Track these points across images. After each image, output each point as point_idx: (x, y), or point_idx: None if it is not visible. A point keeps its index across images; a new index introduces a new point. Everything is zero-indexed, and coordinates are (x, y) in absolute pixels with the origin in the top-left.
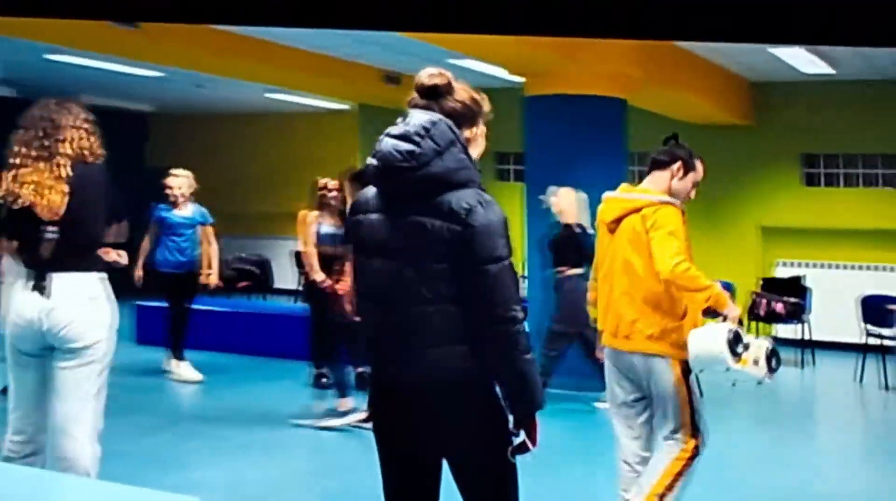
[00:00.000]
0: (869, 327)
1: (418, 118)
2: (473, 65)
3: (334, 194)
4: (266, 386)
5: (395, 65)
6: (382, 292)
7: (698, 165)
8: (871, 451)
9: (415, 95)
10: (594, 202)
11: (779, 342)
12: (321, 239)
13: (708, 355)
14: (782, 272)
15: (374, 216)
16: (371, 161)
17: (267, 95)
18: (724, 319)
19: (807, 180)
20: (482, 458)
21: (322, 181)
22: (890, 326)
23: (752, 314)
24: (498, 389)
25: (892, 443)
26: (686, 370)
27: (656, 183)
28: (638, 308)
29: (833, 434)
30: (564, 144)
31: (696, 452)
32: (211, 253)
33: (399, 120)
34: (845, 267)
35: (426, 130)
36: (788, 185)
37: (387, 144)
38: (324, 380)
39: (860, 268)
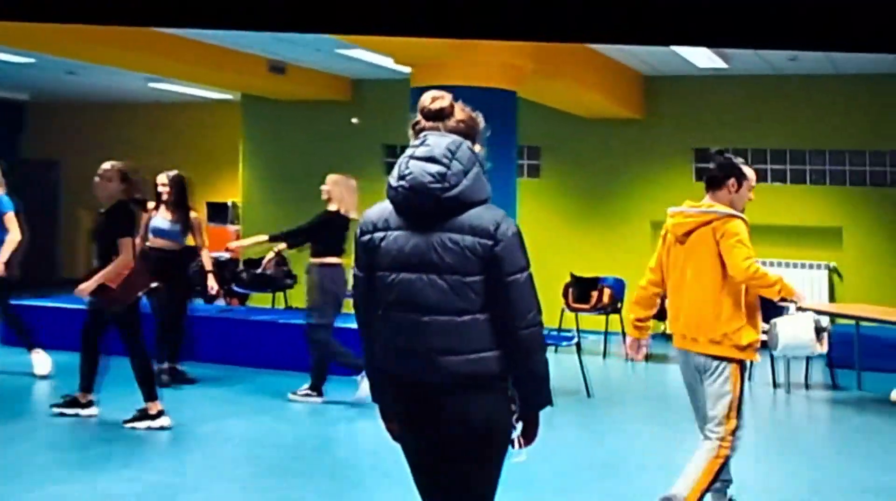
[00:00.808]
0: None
1: (439, 141)
2: (361, 54)
3: (167, 189)
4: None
5: (281, 54)
6: (416, 304)
7: (748, 172)
8: (765, 453)
9: (420, 118)
10: None
11: (668, 337)
12: (153, 232)
13: (798, 343)
14: None
15: (397, 233)
16: (399, 182)
17: (151, 84)
18: (798, 307)
19: (698, 175)
20: (489, 453)
21: (159, 178)
22: None
23: None
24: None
25: (784, 444)
26: (741, 371)
27: (719, 199)
28: (704, 315)
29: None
30: None
31: (730, 450)
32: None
33: (416, 142)
34: None
35: (451, 152)
36: (680, 180)
37: (415, 166)
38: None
39: None
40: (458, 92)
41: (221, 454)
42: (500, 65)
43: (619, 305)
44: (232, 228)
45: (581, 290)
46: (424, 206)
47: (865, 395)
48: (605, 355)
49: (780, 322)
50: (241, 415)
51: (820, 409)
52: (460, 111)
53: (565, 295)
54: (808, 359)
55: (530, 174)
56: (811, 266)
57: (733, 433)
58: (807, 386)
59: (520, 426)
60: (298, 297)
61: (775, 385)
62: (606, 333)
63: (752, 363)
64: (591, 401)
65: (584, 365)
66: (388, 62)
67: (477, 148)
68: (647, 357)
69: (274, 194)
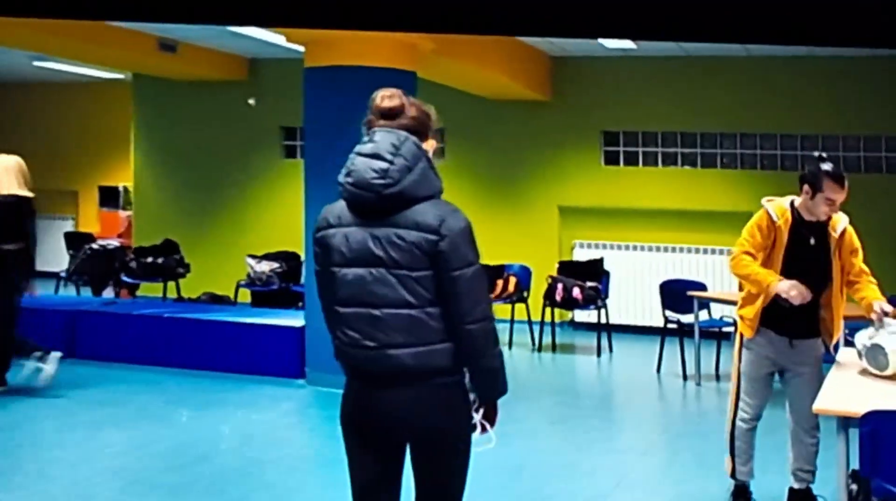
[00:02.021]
0: (668, 313)
1: (386, 137)
2: (254, 32)
3: None
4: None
5: (171, 31)
6: (366, 298)
7: (830, 188)
8: (674, 453)
9: (372, 116)
10: None
11: (576, 326)
12: None
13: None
14: (580, 254)
15: (348, 229)
16: (345, 179)
17: (36, 63)
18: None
19: (606, 159)
20: (451, 444)
21: None
22: (689, 312)
23: (549, 299)
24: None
25: (693, 441)
26: (741, 344)
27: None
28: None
29: (634, 433)
30: (346, 119)
31: (734, 420)
32: None
33: (365, 139)
34: (645, 249)
35: (395, 147)
36: (588, 163)
37: (360, 163)
38: None
39: (660, 250)
40: (354, 72)
41: (89, 467)
42: (395, 44)
43: (525, 293)
44: (123, 213)
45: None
46: (368, 201)
47: (776, 386)
48: (510, 345)
49: (883, 340)
50: (119, 421)
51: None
52: (412, 108)
53: None
54: (719, 343)
55: (435, 157)
56: (721, 252)
57: (736, 402)
58: (717, 377)
59: (481, 411)
60: (191, 286)
61: (685, 377)
62: (513, 322)
63: (742, 339)
64: None
65: None
66: (281, 40)
67: (430, 143)
68: (555, 347)
69: (167, 179)
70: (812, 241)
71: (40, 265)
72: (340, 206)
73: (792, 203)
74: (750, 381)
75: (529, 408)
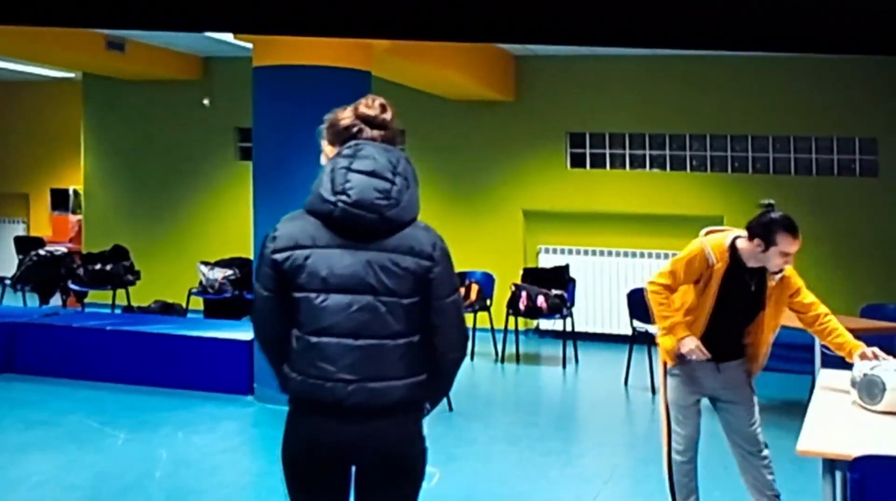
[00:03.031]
0: (636, 323)
1: (380, 154)
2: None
3: None
4: None
5: (119, 30)
6: (348, 328)
7: (783, 237)
8: (638, 481)
9: (359, 123)
10: None
11: (541, 335)
12: None
13: None
14: (545, 259)
15: (330, 251)
16: (338, 197)
17: None
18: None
19: (572, 161)
20: (417, 476)
21: None
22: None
23: (513, 307)
24: None
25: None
26: (665, 372)
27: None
28: None
29: (596, 456)
30: (296, 121)
31: (670, 454)
32: None
33: (347, 150)
34: (612, 254)
35: (393, 166)
36: (554, 166)
37: (358, 180)
38: None
39: (628, 255)
40: (305, 72)
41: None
42: (348, 42)
43: (488, 301)
44: (74, 217)
45: None
46: (367, 223)
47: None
48: (472, 356)
49: (885, 374)
50: (48, 444)
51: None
52: (393, 121)
53: None
54: None
55: None
56: None
57: (669, 434)
58: None
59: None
60: (142, 294)
61: (653, 390)
62: (475, 331)
63: (665, 367)
64: (453, 417)
65: None
66: (230, 37)
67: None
68: (518, 358)
69: (118, 182)
70: (752, 288)
71: None
72: (312, 224)
73: (734, 243)
74: (679, 409)
75: (485, 427)
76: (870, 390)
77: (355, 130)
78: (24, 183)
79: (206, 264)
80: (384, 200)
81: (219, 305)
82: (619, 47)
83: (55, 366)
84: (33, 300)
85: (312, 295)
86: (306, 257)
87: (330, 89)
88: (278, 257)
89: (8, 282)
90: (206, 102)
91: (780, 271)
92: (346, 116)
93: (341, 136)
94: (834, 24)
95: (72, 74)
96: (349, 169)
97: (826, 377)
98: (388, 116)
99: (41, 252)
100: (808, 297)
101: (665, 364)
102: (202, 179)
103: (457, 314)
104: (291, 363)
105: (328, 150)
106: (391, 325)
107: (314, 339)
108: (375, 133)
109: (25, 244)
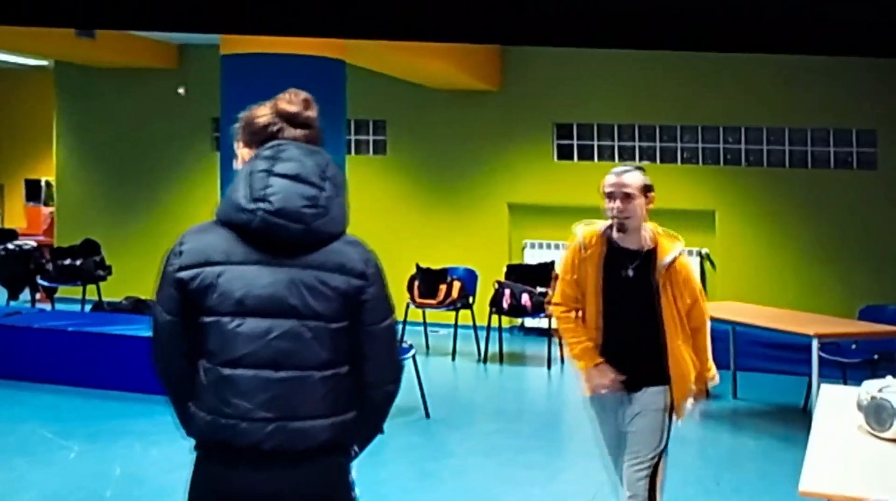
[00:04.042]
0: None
1: (305, 156)
2: None
3: None
4: None
5: None
6: (268, 357)
7: (605, 180)
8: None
9: (281, 122)
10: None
11: (526, 332)
12: None
13: None
14: (531, 254)
15: (246, 268)
16: (257, 205)
17: None
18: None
19: (559, 153)
20: None
21: None
22: None
23: (496, 306)
24: None
25: None
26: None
27: None
28: None
29: (581, 470)
30: None
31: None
32: None
33: (268, 152)
34: None
35: (322, 170)
36: (540, 158)
37: (281, 185)
38: None
39: None
40: (275, 60)
41: None
42: None
43: (470, 299)
44: (46, 209)
45: (428, 283)
46: (292, 235)
47: (740, 406)
48: (454, 356)
49: (893, 398)
50: None
51: (689, 428)
52: (317, 119)
53: (410, 289)
54: None
55: (376, 151)
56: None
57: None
58: None
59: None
60: (114, 289)
61: None
62: (456, 329)
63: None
64: (430, 425)
65: (428, 374)
66: None
67: None
68: (502, 358)
69: (90, 173)
70: (630, 273)
71: None
72: (223, 237)
73: (608, 228)
74: (606, 438)
75: (463, 437)
76: (878, 415)
77: (275, 129)
78: None
79: None
80: (311, 208)
81: None
82: (611, 48)
83: (15, 369)
84: (1, 297)
85: (225, 319)
86: (218, 275)
87: (302, 79)
88: (184, 275)
89: None
90: (181, 90)
91: (658, 249)
92: (264, 113)
93: (258, 136)
94: (831, 25)
95: (45, 62)
96: (270, 172)
97: (827, 396)
98: (312, 113)
99: (9, 246)
100: (701, 307)
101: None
102: (177, 171)
103: (391, 341)
104: (199, 401)
105: (243, 153)
106: (317, 354)
107: (226, 371)
108: (298, 133)
109: None
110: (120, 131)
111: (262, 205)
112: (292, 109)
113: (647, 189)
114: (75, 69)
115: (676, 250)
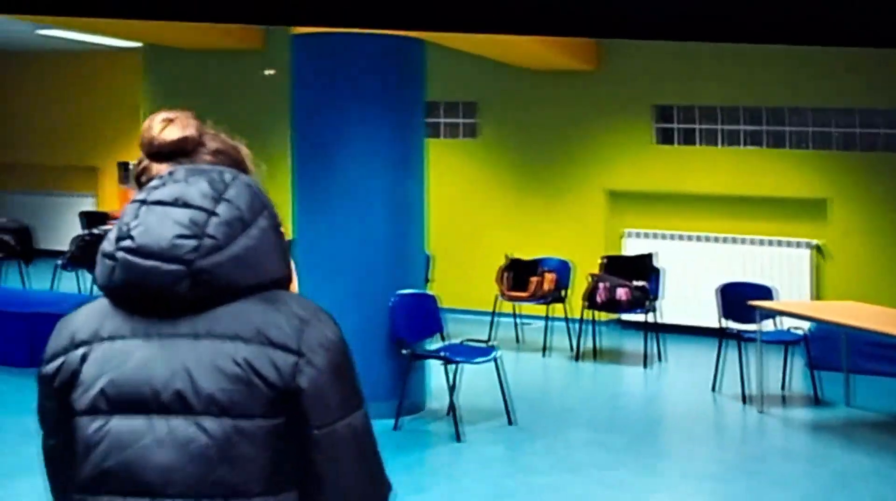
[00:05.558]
0: (729, 324)
1: (196, 175)
2: None
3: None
4: None
5: None
6: (141, 475)
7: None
8: None
9: (145, 160)
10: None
11: (624, 326)
12: None
13: None
14: (631, 244)
15: (113, 345)
16: (116, 247)
17: (39, 31)
18: None
19: (659, 137)
20: None
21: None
22: (751, 321)
23: (590, 301)
24: None
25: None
26: None
27: None
28: None
29: (677, 494)
30: (338, 93)
31: None
32: None
33: (155, 182)
34: (703, 239)
35: (218, 190)
36: (638, 141)
37: (153, 214)
38: None
39: (720, 240)
40: (346, 39)
41: None
42: None
43: (563, 292)
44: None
45: (518, 275)
46: (168, 283)
47: (854, 415)
48: (544, 352)
49: None
50: None
51: (798, 441)
52: (213, 140)
53: (500, 281)
54: (786, 358)
55: (466, 134)
56: (791, 244)
57: None
58: (784, 400)
59: None
60: None
61: (745, 400)
62: (548, 323)
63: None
64: (512, 433)
65: (516, 373)
66: None
67: None
68: (596, 354)
69: None
70: None
71: (47, 245)
72: (96, 309)
73: None
74: None
75: (547, 449)
76: None
77: (140, 167)
78: (92, 156)
79: None
80: (191, 238)
81: None
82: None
83: None
84: (86, 283)
85: (88, 419)
86: (82, 360)
87: (375, 60)
88: (48, 370)
89: (59, 263)
90: (267, 72)
91: None
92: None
93: (139, 183)
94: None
95: (135, 44)
96: (144, 202)
97: None
98: (180, 134)
99: (94, 230)
100: None
101: None
102: (260, 153)
103: (360, 450)
104: None
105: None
106: (224, 473)
107: (84, 499)
108: (166, 166)
109: (90, 219)
110: (206, 113)
111: (123, 243)
112: (149, 135)
113: None
114: (164, 51)
115: None
